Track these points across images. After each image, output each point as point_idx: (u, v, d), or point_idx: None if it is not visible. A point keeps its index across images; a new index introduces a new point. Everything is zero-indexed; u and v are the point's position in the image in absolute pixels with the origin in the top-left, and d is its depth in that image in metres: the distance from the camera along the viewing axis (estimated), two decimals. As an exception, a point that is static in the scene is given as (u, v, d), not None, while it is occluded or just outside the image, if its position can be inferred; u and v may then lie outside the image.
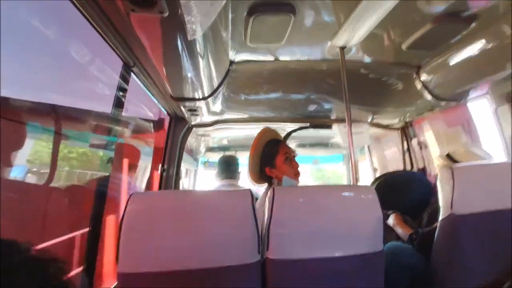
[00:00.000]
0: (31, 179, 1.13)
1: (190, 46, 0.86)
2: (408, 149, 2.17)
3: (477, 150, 1.38)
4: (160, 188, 1.78)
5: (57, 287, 0.28)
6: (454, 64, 1.28)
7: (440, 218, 1.02)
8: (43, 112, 1.07)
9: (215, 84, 1.33)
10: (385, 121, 2.15)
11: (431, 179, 1.84)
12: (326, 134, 2.35)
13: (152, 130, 1.93)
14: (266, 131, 1.39)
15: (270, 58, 1.32)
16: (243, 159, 2.38)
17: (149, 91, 1.31)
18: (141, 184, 1.94)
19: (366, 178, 2.72)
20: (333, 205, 0.87)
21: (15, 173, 1.03)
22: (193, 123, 1.83)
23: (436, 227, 1.04)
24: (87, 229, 1.16)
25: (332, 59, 1.31)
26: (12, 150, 0.92)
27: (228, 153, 2.48)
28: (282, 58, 1.33)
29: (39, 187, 1.14)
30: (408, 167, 2.18)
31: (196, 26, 0.75)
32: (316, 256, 0.83)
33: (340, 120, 2.00)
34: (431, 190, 1.49)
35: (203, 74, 1.12)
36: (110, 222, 1.31)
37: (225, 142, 2.73)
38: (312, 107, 1.85)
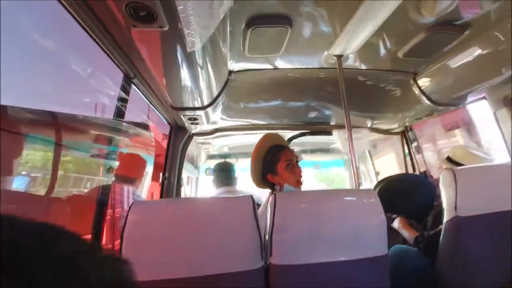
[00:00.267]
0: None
1: (189, 57, 0.88)
2: (409, 153, 2.18)
3: (476, 151, 1.39)
4: (161, 196, 1.78)
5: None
6: (449, 70, 1.30)
7: (444, 221, 1.02)
8: (43, 121, 1.09)
9: (215, 93, 1.35)
10: (384, 126, 2.15)
11: (433, 181, 1.84)
12: (327, 140, 2.36)
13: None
14: (267, 136, 1.36)
15: (269, 67, 1.34)
16: (244, 166, 2.38)
17: (149, 101, 1.33)
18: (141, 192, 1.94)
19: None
20: (335, 209, 0.87)
21: (16, 184, 1.04)
22: (193, 131, 1.84)
23: (441, 229, 1.04)
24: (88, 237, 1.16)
25: (330, 67, 1.33)
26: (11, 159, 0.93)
27: (222, 160, 2.47)
28: (280, 67, 1.34)
29: (40, 198, 1.15)
30: (410, 171, 2.18)
31: (195, 38, 0.77)
32: (320, 261, 0.82)
33: (339, 126, 2.01)
34: (435, 193, 1.49)
35: (202, 84, 1.14)
36: (111, 231, 1.31)
37: (225, 149, 2.74)
38: (311, 114, 1.86)
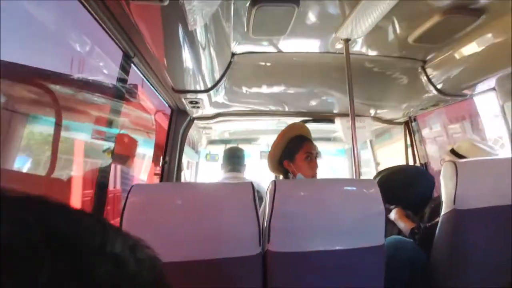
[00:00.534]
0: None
1: (191, 36, 0.85)
2: (412, 143, 2.16)
3: (482, 145, 1.37)
4: (161, 180, 1.78)
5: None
6: (460, 58, 1.25)
7: (442, 213, 1.01)
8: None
9: (217, 76, 1.32)
10: (388, 116, 2.12)
11: (434, 174, 1.83)
12: (329, 128, 2.34)
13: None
14: (295, 125, 1.41)
15: (273, 50, 1.30)
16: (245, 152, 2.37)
17: (149, 82, 1.30)
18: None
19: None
20: (334, 198, 0.87)
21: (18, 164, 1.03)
22: (194, 115, 1.82)
23: (437, 222, 1.04)
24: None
25: (336, 52, 1.28)
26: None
27: (234, 145, 2.45)
28: (285, 50, 1.30)
29: (41, 178, 1.15)
30: (411, 162, 2.17)
31: (197, 15, 0.74)
32: (317, 249, 0.83)
33: (342, 114, 1.98)
34: (434, 185, 1.49)
35: (204, 66, 1.11)
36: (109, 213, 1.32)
37: (226, 135, 2.72)
38: (315, 101, 1.83)
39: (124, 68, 1.10)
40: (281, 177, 1.44)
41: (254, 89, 1.66)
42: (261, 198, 0.98)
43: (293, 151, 1.32)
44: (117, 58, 1.08)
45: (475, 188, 0.97)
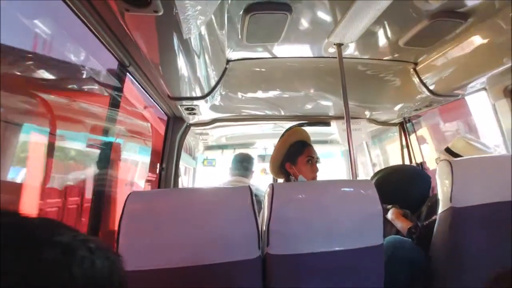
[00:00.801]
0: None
1: (186, 45, 0.86)
2: (407, 144, 2.18)
3: (476, 143, 1.38)
4: (159, 186, 1.78)
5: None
6: (450, 60, 1.28)
7: (439, 211, 1.02)
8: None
9: (212, 83, 1.32)
10: (383, 117, 2.15)
11: (430, 173, 1.85)
12: (325, 131, 2.35)
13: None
14: (298, 130, 1.48)
15: (267, 56, 1.31)
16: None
17: (145, 91, 1.30)
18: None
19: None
20: (332, 200, 0.88)
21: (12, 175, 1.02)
22: (191, 122, 1.82)
23: (435, 220, 1.04)
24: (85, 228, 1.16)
25: (330, 56, 1.30)
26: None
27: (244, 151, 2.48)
28: (279, 56, 1.32)
29: (36, 189, 1.14)
30: (406, 162, 2.19)
31: (192, 24, 0.75)
32: (316, 251, 0.83)
33: (338, 117, 2.00)
34: (430, 184, 1.50)
35: (199, 73, 1.12)
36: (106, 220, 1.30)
37: (223, 140, 2.73)
38: (310, 105, 1.85)
39: (120, 77, 1.10)
40: (282, 180, 1.46)
41: (250, 95, 1.67)
42: (259, 202, 0.98)
43: (296, 155, 1.38)
44: (112, 68, 1.09)
45: (471, 186, 0.98)
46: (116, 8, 0.67)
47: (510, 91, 1.33)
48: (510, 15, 0.95)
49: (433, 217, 1.06)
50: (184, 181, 2.73)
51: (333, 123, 2.03)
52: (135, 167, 2.08)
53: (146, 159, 2.09)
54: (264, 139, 2.70)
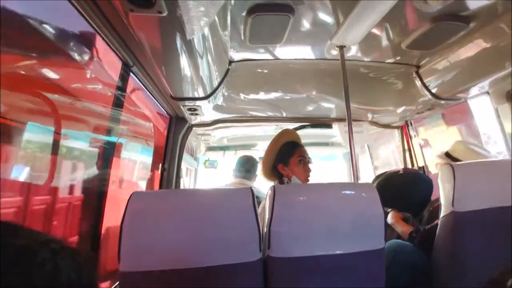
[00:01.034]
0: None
1: (189, 45, 0.86)
2: (408, 148, 2.17)
3: (477, 148, 1.38)
4: (160, 187, 1.78)
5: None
6: (453, 63, 1.28)
7: (441, 216, 1.02)
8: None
9: (215, 83, 1.33)
10: (385, 120, 2.14)
11: (431, 177, 1.84)
12: (327, 133, 2.35)
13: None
14: (287, 131, 1.46)
15: (270, 57, 1.32)
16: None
17: (148, 91, 1.31)
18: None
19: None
20: (333, 202, 0.87)
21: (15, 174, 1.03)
22: (193, 122, 1.83)
23: (436, 224, 1.04)
24: (87, 229, 1.16)
25: (332, 58, 1.31)
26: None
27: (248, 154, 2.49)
28: (281, 57, 1.32)
29: (39, 187, 1.14)
30: (408, 165, 2.18)
31: (195, 25, 0.75)
32: (317, 254, 0.83)
33: (340, 119, 2.00)
34: (432, 188, 1.49)
35: (202, 74, 1.12)
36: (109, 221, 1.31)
37: (225, 141, 2.73)
38: (312, 106, 1.85)
39: (123, 77, 1.11)
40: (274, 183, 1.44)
41: (252, 96, 1.67)
42: (260, 204, 0.98)
43: (287, 156, 1.36)
44: (116, 67, 1.09)
45: (473, 190, 0.97)
46: (120, 9, 0.68)
47: None
48: None
49: (435, 222, 1.06)
50: (186, 182, 2.73)
51: (335, 125, 2.03)
52: (136, 166, 2.09)
53: (148, 159, 2.10)
54: (266, 141, 2.70)
